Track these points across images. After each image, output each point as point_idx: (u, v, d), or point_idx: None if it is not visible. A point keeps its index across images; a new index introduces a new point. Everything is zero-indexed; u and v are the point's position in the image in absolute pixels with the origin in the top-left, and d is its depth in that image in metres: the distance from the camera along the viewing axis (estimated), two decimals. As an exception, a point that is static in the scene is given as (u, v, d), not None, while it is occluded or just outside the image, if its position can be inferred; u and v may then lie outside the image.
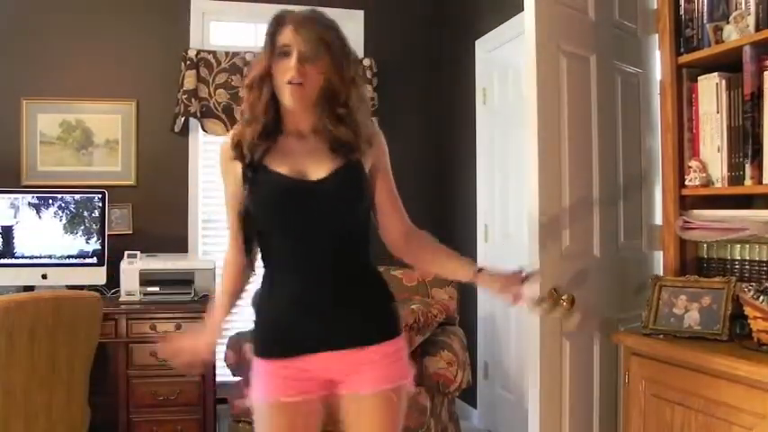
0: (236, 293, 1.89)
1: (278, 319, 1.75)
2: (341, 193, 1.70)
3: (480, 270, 1.79)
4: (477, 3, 4.23)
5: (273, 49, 1.66)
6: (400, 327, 1.83)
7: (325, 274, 1.71)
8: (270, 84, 1.68)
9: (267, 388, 1.75)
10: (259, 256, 1.82)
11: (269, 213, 1.71)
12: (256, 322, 1.82)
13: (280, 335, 1.75)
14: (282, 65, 1.65)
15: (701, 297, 2.05)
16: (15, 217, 3.63)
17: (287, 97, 1.66)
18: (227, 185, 1.79)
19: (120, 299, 3.57)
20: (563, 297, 2.18)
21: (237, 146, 1.71)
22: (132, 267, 3.60)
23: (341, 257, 1.73)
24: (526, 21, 2.24)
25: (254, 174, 1.70)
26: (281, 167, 1.70)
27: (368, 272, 1.82)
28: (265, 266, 1.80)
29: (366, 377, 1.73)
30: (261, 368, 1.77)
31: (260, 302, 1.81)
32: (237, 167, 1.72)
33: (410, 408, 2.97)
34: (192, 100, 4.05)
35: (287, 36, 1.65)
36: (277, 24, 1.68)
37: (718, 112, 2.13)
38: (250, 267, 1.86)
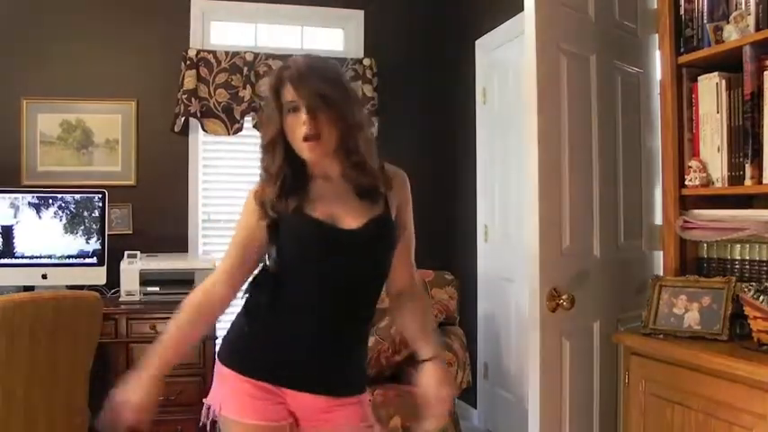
0: (201, 330, 1.82)
1: (268, 350, 1.72)
2: (374, 245, 1.70)
3: (430, 359, 1.76)
4: (477, 3, 4.23)
5: (281, 105, 1.64)
6: (366, 383, 1.83)
7: (336, 321, 1.70)
8: (283, 142, 1.66)
9: (243, 407, 1.71)
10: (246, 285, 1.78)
11: (300, 257, 1.69)
12: (240, 340, 1.78)
13: (266, 363, 1.72)
14: (294, 119, 1.62)
15: (701, 297, 2.05)
16: (15, 217, 3.63)
17: (306, 154, 1.64)
18: (246, 223, 1.74)
19: (120, 299, 3.57)
20: (563, 297, 2.19)
21: (262, 205, 1.68)
22: (132, 267, 3.60)
23: (355, 308, 1.73)
24: (526, 21, 2.24)
25: (287, 219, 1.67)
26: (315, 213, 1.67)
27: (365, 332, 1.82)
28: (273, 294, 1.73)
29: (329, 422, 1.73)
30: (236, 384, 1.74)
31: (251, 327, 1.76)
32: (262, 213, 1.70)
33: (410, 408, 2.98)
34: (192, 100, 4.05)
35: (289, 93, 1.62)
36: (278, 81, 1.65)
37: (718, 112, 2.13)
38: (225, 307, 1.79)
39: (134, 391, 1.72)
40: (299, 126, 1.61)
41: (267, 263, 1.74)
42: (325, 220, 1.67)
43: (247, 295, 1.78)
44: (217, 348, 3.39)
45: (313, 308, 1.69)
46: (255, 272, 1.77)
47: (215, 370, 1.84)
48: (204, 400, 1.83)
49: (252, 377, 1.72)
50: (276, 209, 1.66)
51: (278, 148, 1.66)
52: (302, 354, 1.70)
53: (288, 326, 1.71)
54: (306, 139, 1.61)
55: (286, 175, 1.67)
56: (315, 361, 1.71)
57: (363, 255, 1.69)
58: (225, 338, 1.83)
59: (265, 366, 1.72)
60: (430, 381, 1.74)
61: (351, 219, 1.68)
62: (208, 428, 1.79)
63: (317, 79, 1.63)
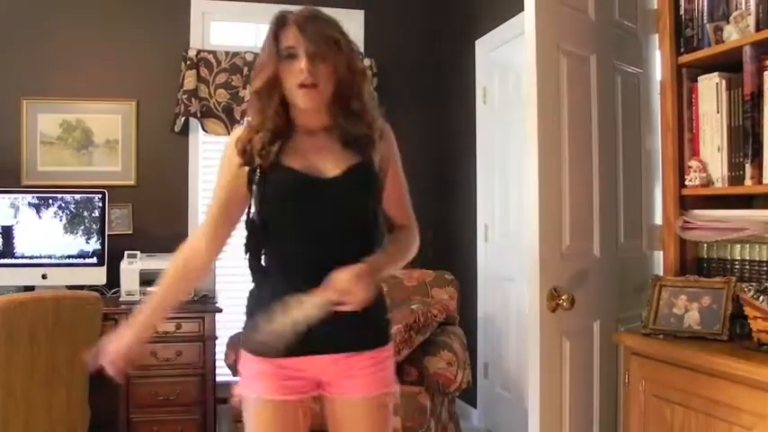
0: (186, 285, 1.84)
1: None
2: (354, 191, 1.69)
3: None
4: (477, 3, 4.23)
5: (278, 51, 1.62)
6: (390, 335, 1.83)
7: (325, 272, 1.64)
8: (279, 88, 1.65)
9: (260, 385, 1.72)
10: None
11: (281, 208, 1.69)
12: (251, 319, 1.77)
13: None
14: (291, 67, 1.61)
15: (701, 297, 2.05)
16: (15, 217, 3.63)
17: (300, 100, 1.63)
18: (224, 175, 1.76)
19: (121, 299, 3.57)
20: (563, 297, 2.19)
21: (243, 152, 1.68)
22: (132, 267, 3.60)
23: (343, 256, 1.67)
24: (526, 21, 2.24)
25: (267, 172, 1.67)
26: (295, 164, 1.68)
27: None
28: (267, 265, 1.77)
29: (357, 382, 1.73)
30: (254, 365, 1.74)
31: (258, 301, 1.76)
32: (243, 162, 1.70)
33: (410, 408, 2.99)
34: (193, 100, 4.05)
35: (291, 37, 1.61)
36: (279, 25, 1.64)
37: (718, 112, 2.12)
38: (211, 260, 1.82)
39: (119, 340, 1.76)
40: (296, 72, 1.60)
41: (251, 225, 1.73)
42: (302, 170, 1.66)
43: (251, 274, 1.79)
44: (218, 349, 3.41)
45: (302, 267, 1.68)
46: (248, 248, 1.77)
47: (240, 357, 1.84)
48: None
49: (266, 356, 1.71)
50: (263, 156, 1.66)
51: (274, 95, 1.66)
52: None
53: (280, 288, 1.67)
54: (302, 85, 1.60)
55: (278, 125, 1.66)
56: (322, 318, 1.67)
57: (343, 201, 1.68)
58: (244, 324, 1.82)
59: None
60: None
61: (330, 167, 1.68)
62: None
63: (323, 23, 1.63)
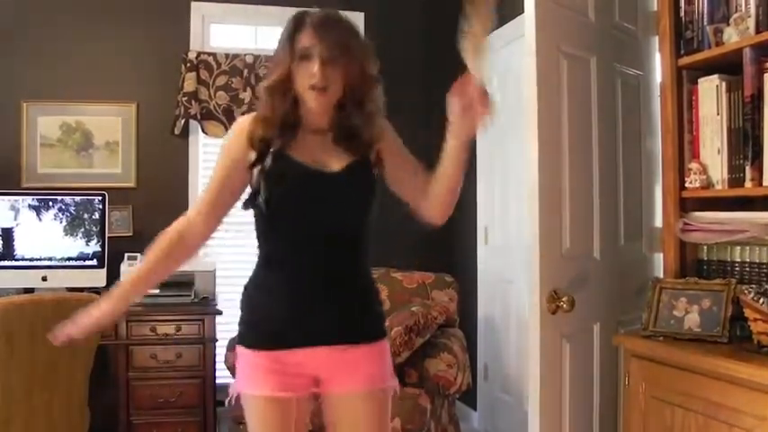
0: (176, 260, 1.81)
1: (273, 311, 1.74)
2: (356, 186, 1.74)
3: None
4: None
5: (293, 51, 1.65)
6: (385, 329, 1.86)
7: (325, 270, 1.72)
8: (291, 87, 1.68)
9: (257, 381, 1.74)
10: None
11: (284, 198, 1.71)
12: (248, 313, 1.80)
13: (273, 326, 1.74)
14: (304, 68, 1.64)
15: (701, 299, 2.05)
16: (15, 219, 3.63)
17: (310, 102, 1.67)
18: (224, 158, 1.78)
19: (121, 301, 3.56)
20: (563, 299, 2.19)
21: (250, 141, 1.71)
22: (132, 269, 3.58)
23: (342, 255, 1.75)
24: (526, 23, 2.24)
25: (274, 161, 1.70)
26: (299, 156, 1.71)
27: (364, 274, 1.83)
28: (262, 259, 1.80)
29: (353, 377, 1.75)
30: (250, 360, 1.76)
31: (253, 293, 1.79)
32: (246, 154, 1.72)
33: (410, 410, 2.99)
34: (192, 102, 4.05)
35: (307, 38, 1.64)
36: (296, 25, 1.66)
37: (718, 114, 2.13)
38: (204, 238, 1.82)
39: (95, 310, 1.74)
40: (308, 74, 1.63)
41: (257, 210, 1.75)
42: (306, 163, 1.71)
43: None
44: (218, 351, 3.41)
45: (297, 260, 1.72)
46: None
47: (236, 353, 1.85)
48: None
49: (262, 350, 1.74)
50: (261, 142, 1.69)
51: (286, 93, 1.68)
52: (295, 308, 1.72)
53: (277, 286, 1.74)
54: (312, 87, 1.63)
55: (286, 122, 1.70)
56: (309, 311, 1.72)
57: (345, 194, 1.72)
58: (239, 321, 1.84)
59: (268, 334, 1.74)
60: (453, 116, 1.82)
61: (333, 162, 1.73)
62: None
63: (339, 29, 1.66)
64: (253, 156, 1.71)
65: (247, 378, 1.77)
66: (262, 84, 1.74)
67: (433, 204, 1.81)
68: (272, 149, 1.70)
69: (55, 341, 1.73)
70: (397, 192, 1.84)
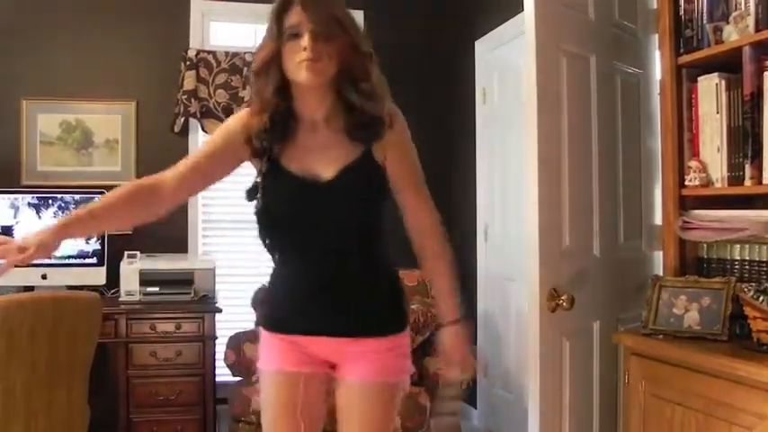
0: (129, 205, 1.72)
1: (284, 298, 1.78)
2: (349, 193, 1.68)
3: (452, 323, 1.83)
4: (477, 3, 4.23)
5: (281, 30, 1.59)
6: (405, 323, 1.82)
7: (330, 265, 1.71)
8: (279, 68, 1.62)
9: (272, 357, 1.78)
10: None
11: (279, 210, 1.71)
12: (266, 296, 1.88)
13: (284, 312, 1.78)
14: (293, 46, 1.58)
15: (700, 297, 2.05)
16: (15, 217, 3.63)
17: (303, 74, 1.58)
18: (219, 133, 1.76)
19: (120, 299, 3.57)
20: (563, 297, 2.19)
21: (247, 138, 1.69)
22: (132, 267, 3.60)
23: (349, 250, 1.73)
24: (526, 21, 2.24)
25: (268, 167, 1.69)
26: (292, 165, 1.68)
27: (378, 265, 1.80)
28: (275, 250, 1.80)
29: (361, 367, 1.74)
30: (266, 339, 1.82)
31: (271, 280, 1.84)
32: (241, 142, 1.70)
33: (410, 408, 2.99)
34: (192, 100, 4.05)
35: (295, 16, 1.58)
36: (283, 4, 1.60)
37: (717, 113, 2.13)
38: (170, 199, 1.77)
39: (40, 231, 1.63)
40: (298, 51, 1.57)
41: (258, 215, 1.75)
42: (298, 173, 1.67)
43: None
44: (217, 349, 3.43)
45: (303, 256, 1.73)
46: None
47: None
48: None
49: (274, 331, 1.79)
50: (262, 142, 1.66)
51: (271, 73, 1.63)
52: (302, 299, 1.74)
53: (286, 276, 1.77)
54: (304, 61, 1.57)
55: (277, 108, 1.65)
56: (314, 303, 1.73)
57: (337, 205, 1.68)
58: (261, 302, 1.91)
59: (279, 319, 1.78)
60: (445, 344, 1.84)
61: (324, 168, 1.67)
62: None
63: (327, 3, 1.60)
64: (247, 152, 1.71)
65: (265, 356, 1.81)
66: (251, 70, 1.68)
67: (419, 261, 1.87)
68: (267, 157, 1.68)
69: None
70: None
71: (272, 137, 1.67)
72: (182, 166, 1.78)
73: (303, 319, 1.74)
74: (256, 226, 1.76)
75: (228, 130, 1.75)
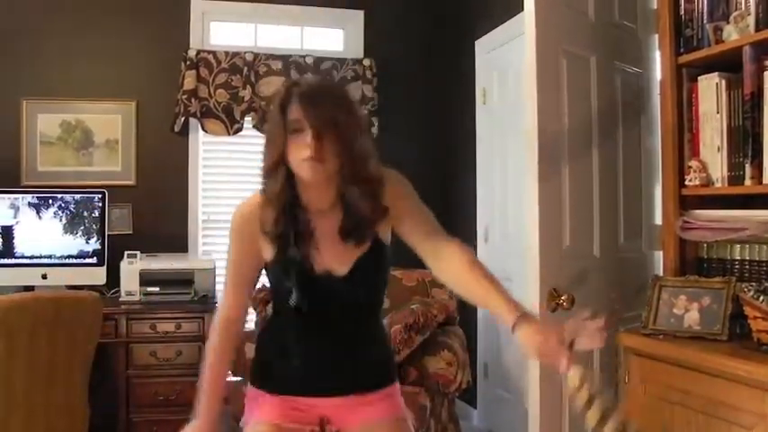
0: (232, 355, 1.86)
1: (286, 362, 1.78)
2: (364, 283, 1.75)
3: (522, 316, 1.62)
4: (477, 3, 4.23)
5: (285, 123, 1.59)
6: (395, 374, 1.90)
7: (337, 333, 1.76)
8: (286, 164, 1.62)
9: (266, 412, 1.78)
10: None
11: (291, 290, 1.71)
12: (262, 357, 1.86)
13: (285, 375, 1.79)
14: (297, 141, 1.58)
15: (700, 297, 2.05)
16: (15, 217, 3.63)
17: (306, 173, 1.60)
18: (235, 243, 1.77)
19: (120, 299, 3.57)
20: (563, 297, 2.19)
21: (262, 228, 1.69)
22: (132, 267, 3.60)
23: (355, 322, 1.79)
24: (526, 21, 2.24)
25: (283, 254, 1.69)
26: (309, 257, 1.69)
27: (376, 329, 1.88)
28: (277, 312, 1.86)
29: (366, 411, 1.79)
30: (260, 397, 1.81)
31: (268, 342, 1.85)
32: (256, 230, 1.70)
33: (410, 408, 2.98)
34: (192, 100, 4.05)
35: (297, 111, 1.58)
36: (285, 98, 1.61)
37: (718, 112, 2.12)
38: (244, 323, 1.87)
39: (194, 425, 1.76)
40: (302, 147, 1.57)
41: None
42: (315, 269, 1.69)
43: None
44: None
45: (310, 324, 1.76)
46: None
47: (246, 393, 1.89)
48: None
49: (273, 393, 1.79)
50: (278, 229, 1.67)
51: (280, 170, 1.64)
52: (306, 363, 1.76)
53: (290, 340, 1.78)
54: (306, 159, 1.57)
55: (286, 202, 1.66)
56: (317, 367, 1.76)
57: (352, 295, 1.74)
58: (253, 362, 1.89)
59: (280, 381, 1.79)
60: (533, 342, 1.62)
61: (338, 265, 1.70)
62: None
63: (329, 103, 1.59)
64: (267, 246, 1.71)
65: (256, 410, 1.80)
66: (262, 167, 1.68)
67: (446, 280, 1.71)
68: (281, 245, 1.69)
69: None
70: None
71: (285, 225, 1.68)
72: (233, 288, 1.81)
73: (314, 384, 1.77)
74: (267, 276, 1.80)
75: (244, 235, 1.75)
